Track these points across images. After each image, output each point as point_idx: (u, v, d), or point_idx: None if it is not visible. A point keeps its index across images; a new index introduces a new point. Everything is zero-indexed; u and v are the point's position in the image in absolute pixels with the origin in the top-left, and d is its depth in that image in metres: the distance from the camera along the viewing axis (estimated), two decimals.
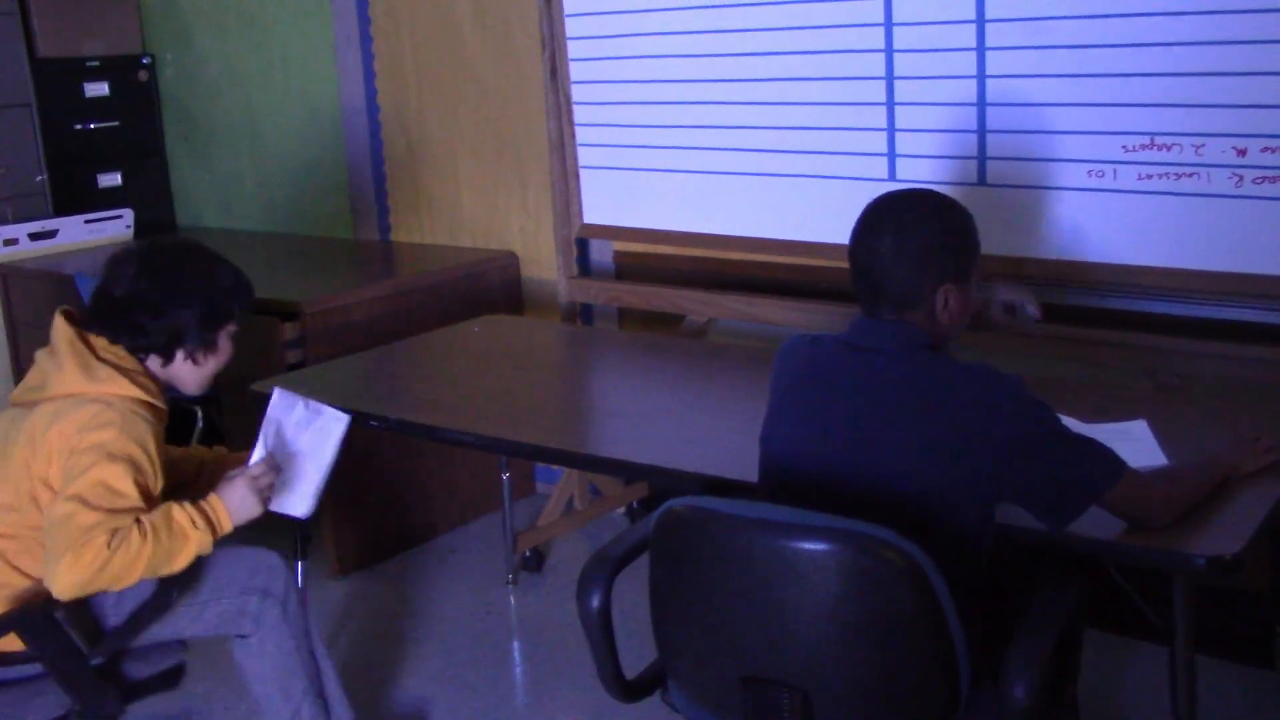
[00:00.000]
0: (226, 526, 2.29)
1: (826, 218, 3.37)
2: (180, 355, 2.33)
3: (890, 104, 3.19)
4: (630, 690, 2.04)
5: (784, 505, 1.85)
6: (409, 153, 4.47)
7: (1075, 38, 2.87)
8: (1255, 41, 2.64)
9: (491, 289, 4.13)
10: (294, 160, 4.88)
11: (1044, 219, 3.01)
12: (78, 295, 4.13)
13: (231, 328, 2.40)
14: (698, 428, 2.63)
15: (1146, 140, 2.83)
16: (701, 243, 3.67)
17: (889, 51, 3.16)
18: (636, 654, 2.08)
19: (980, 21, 2.99)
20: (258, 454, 2.38)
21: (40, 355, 2.30)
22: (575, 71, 3.78)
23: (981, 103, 3.04)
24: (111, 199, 5.00)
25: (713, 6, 3.43)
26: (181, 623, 2.39)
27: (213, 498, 2.28)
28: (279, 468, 2.39)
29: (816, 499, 1.88)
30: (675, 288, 3.73)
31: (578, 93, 3.79)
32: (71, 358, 2.23)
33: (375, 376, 3.20)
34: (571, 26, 3.74)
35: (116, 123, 5.07)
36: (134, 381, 2.25)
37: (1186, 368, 2.92)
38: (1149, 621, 2.67)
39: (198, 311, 2.31)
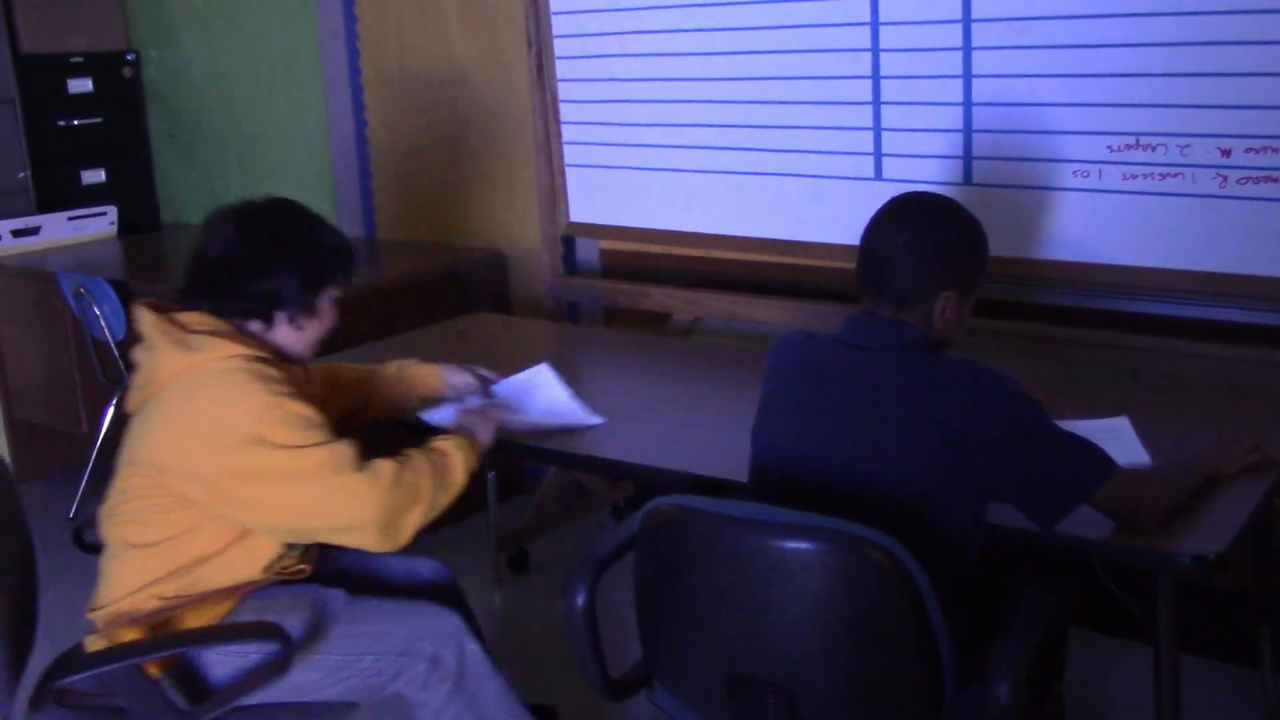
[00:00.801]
0: (483, 439, 2.34)
1: (813, 216, 3.37)
2: (281, 319, 2.21)
3: (876, 103, 3.19)
4: (616, 689, 2.04)
5: (773, 503, 1.85)
6: (394, 150, 4.46)
7: (1061, 38, 2.87)
8: (1241, 42, 2.65)
9: (478, 287, 4.12)
10: (279, 157, 4.86)
11: (1029, 219, 3.01)
12: (61, 292, 4.12)
13: (334, 292, 2.27)
14: (683, 426, 2.63)
15: (1132, 140, 2.84)
16: (688, 241, 3.67)
17: (875, 51, 3.17)
18: (625, 653, 2.08)
19: (967, 21, 3.00)
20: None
21: (137, 353, 2.19)
22: (561, 70, 3.78)
23: (968, 102, 3.04)
24: (95, 196, 4.98)
25: (699, 5, 3.43)
26: (316, 681, 2.17)
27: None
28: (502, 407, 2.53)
29: (807, 497, 1.88)
30: (661, 286, 3.73)
31: (564, 91, 3.79)
32: (164, 340, 2.13)
33: None
34: (558, 25, 3.74)
35: (100, 119, 5.05)
36: (234, 340, 2.14)
37: (1171, 368, 2.93)
38: (1134, 620, 2.67)
39: (297, 272, 2.19)
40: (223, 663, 2.14)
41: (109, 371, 4.12)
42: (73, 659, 2.09)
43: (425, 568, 2.54)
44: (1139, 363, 2.97)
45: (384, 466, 2.12)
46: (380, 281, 3.97)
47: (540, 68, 3.80)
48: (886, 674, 1.75)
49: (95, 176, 5.06)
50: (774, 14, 3.31)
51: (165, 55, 5.13)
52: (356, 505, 2.08)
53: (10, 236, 4.56)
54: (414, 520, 2.15)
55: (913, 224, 1.94)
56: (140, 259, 4.65)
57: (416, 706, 2.24)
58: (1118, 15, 2.79)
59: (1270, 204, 2.69)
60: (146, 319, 2.18)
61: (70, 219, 4.76)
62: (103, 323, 3.93)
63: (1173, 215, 2.82)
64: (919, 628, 1.71)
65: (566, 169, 3.85)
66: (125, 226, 4.95)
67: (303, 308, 2.22)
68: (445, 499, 2.21)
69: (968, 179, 3.08)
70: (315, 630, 2.17)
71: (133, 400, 2.21)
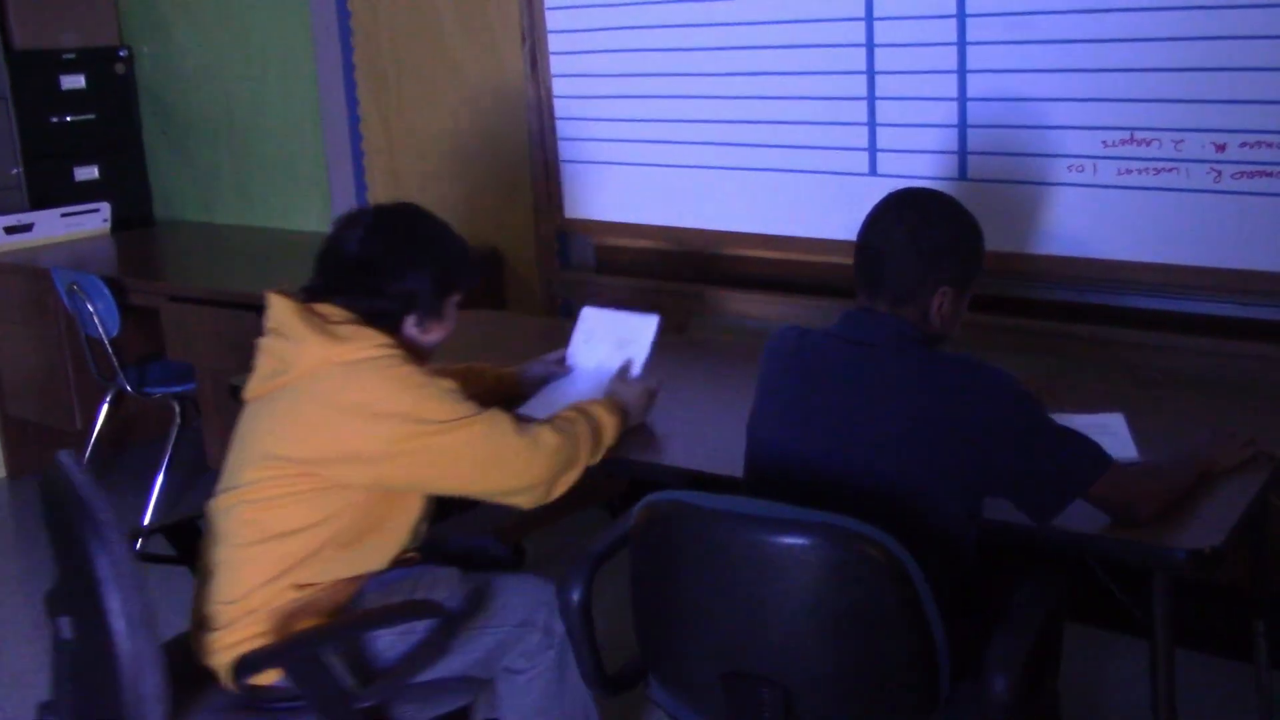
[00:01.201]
0: (634, 417, 2.39)
1: (807, 212, 3.37)
2: (410, 322, 2.23)
3: (871, 99, 3.19)
4: (612, 685, 2.03)
5: (768, 498, 1.84)
6: (388, 145, 4.45)
7: (1056, 33, 2.87)
8: (1235, 37, 2.65)
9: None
10: (272, 153, 4.85)
11: (1024, 214, 3.01)
12: (54, 289, 4.10)
13: (457, 298, 2.30)
14: (678, 421, 2.62)
15: (1126, 135, 2.84)
16: (682, 237, 3.67)
17: (870, 47, 3.16)
18: (621, 648, 2.08)
19: (961, 16, 2.99)
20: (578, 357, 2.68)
21: (266, 342, 2.21)
22: (555, 65, 3.77)
23: (962, 98, 3.04)
24: (89, 192, 4.97)
25: (693, 1, 3.43)
26: (454, 655, 2.20)
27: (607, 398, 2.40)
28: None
29: (802, 492, 1.88)
30: (656, 281, 3.72)
31: (558, 86, 3.78)
32: (308, 328, 2.13)
33: None
34: (552, 20, 3.73)
35: (93, 115, 5.03)
36: (378, 331, 2.17)
37: (1166, 362, 2.93)
38: (1129, 615, 2.67)
39: (431, 276, 2.22)
40: (385, 645, 2.16)
41: (103, 369, 4.11)
42: (256, 655, 2.05)
43: (493, 545, 2.57)
44: (1134, 358, 2.97)
45: (544, 431, 2.21)
46: None
47: (534, 62, 3.80)
48: (882, 669, 1.74)
49: (88, 173, 5.04)
50: (768, 9, 3.31)
51: (158, 51, 5.12)
52: (524, 469, 2.16)
53: (3, 234, 4.55)
54: (568, 482, 2.25)
55: (911, 219, 1.94)
56: (134, 255, 4.64)
57: (517, 673, 2.25)
58: (1112, 10, 2.79)
59: (1265, 198, 2.69)
60: (286, 307, 2.19)
61: (63, 215, 4.75)
62: (96, 320, 3.92)
63: (1167, 210, 2.82)
64: (914, 623, 1.71)
65: (561, 164, 3.85)
66: (119, 223, 4.94)
67: (431, 311, 2.24)
68: (593, 463, 2.30)
69: (963, 174, 3.08)
70: (474, 602, 2.22)
71: (258, 388, 2.21)
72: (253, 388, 2.22)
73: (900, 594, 1.69)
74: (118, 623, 1.85)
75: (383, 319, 2.20)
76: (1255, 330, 2.85)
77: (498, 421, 2.16)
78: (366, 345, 2.12)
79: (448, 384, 2.16)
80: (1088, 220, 2.93)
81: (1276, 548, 2.61)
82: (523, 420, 2.25)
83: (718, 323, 3.68)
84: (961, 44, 3.01)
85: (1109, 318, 3.04)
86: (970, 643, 1.83)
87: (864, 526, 1.68)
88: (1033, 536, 1.96)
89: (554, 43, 3.76)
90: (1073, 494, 1.88)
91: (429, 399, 2.11)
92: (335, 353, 2.11)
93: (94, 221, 4.85)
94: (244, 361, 3.59)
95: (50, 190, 4.85)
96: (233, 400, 3.04)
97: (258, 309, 3.60)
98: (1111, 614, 2.89)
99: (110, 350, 3.97)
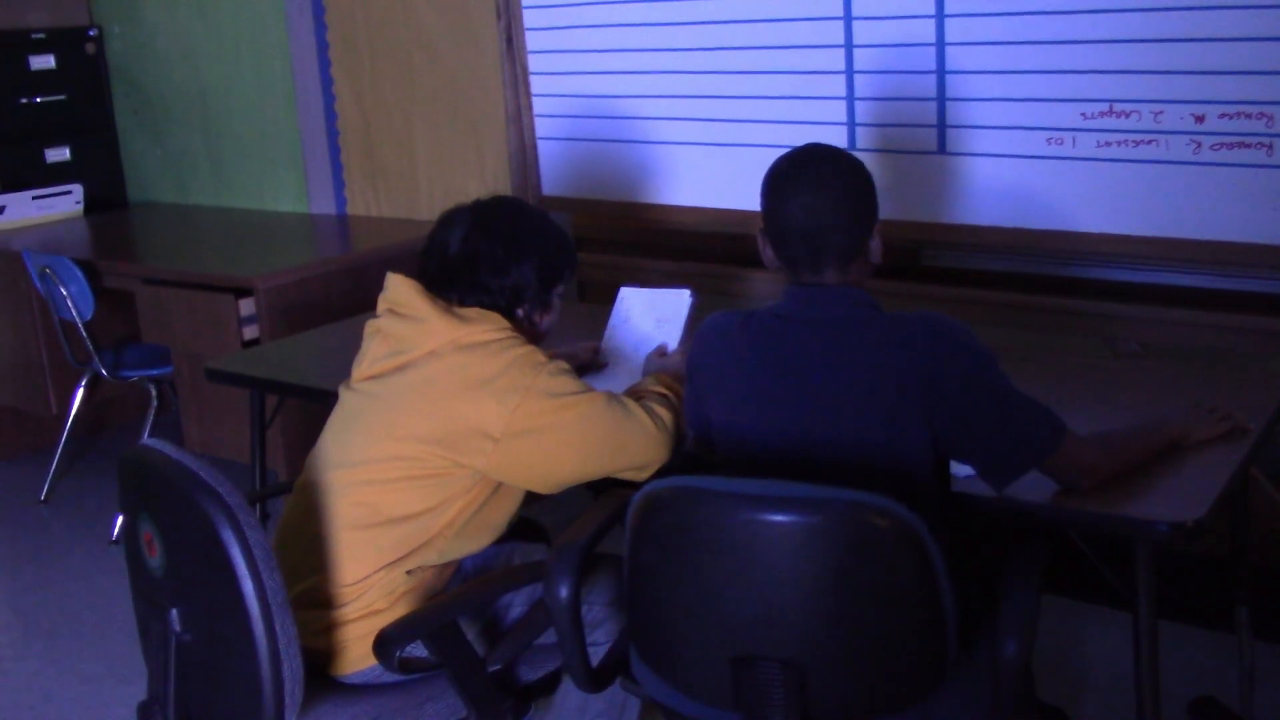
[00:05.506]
0: (680, 385, 2.39)
1: None
2: (519, 314, 2.24)
3: (850, 72, 3.18)
4: (597, 679, 2.00)
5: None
6: (363, 125, 4.41)
7: (1034, 4, 2.86)
8: (1213, 8, 2.64)
9: None
10: (246, 133, 4.81)
11: (1003, 186, 3.00)
12: (27, 273, 4.06)
13: (561, 288, 2.30)
14: None
15: (1105, 107, 2.83)
16: (661, 214, 3.65)
17: (848, 19, 3.14)
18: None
19: None
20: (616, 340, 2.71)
21: (381, 323, 2.20)
22: (531, 42, 3.74)
23: (941, 70, 3.03)
24: (60, 174, 4.92)
25: None
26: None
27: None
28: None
29: (793, 473, 1.85)
30: (635, 258, 3.71)
31: (534, 63, 3.76)
32: (433, 308, 2.14)
33: (333, 352, 3.16)
34: None
35: (64, 96, 4.98)
36: (503, 315, 2.19)
37: (1145, 334, 2.94)
38: (1111, 587, 2.68)
39: (536, 267, 2.23)
40: (505, 611, 2.20)
41: (77, 353, 4.07)
42: (398, 628, 2.03)
43: (534, 519, 2.58)
44: (1114, 330, 2.97)
45: (656, 409, 2.22)
46: (350, 258, 3.94)
47: (510, 39, 3.76)
48: (895, 640, 1.71)
49: (60, 155, 4.99)
50: None
51: (129, 30, 5.06)
52: (647, 444, 2.18)
53: None
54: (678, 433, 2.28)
55: (829, 184, 1.91)
56: (107, 238, 4.59)
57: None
58: None
59: (1243, 169, 2.69)
60: (409, 288, 2.19)
61: (35, 198, 4.70)
62: (70, 303, 3.89)
63: (1147, 182, 2.82)
64: (928, 592, 1.68)
65: (538, 142, 3.82)
66: (91, 205, 4.89)
67: (538, 303, 2.26)
68: (679, 424, 2.33)
69: (941, 148, 3.07)
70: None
71: (372, 369, 2.19)
72: (365, 369, 2.21)
73: (916, 564, 1.66)
74: (253, 608, 1.80)
75: (494, 312, 2.21)
76: (1234, 302, 2.86)
77: (615, 398, 2.18)
78: (490, 328, 2.14)
79: (564, 364, 2.17)
80: (1067, 193, 2.92)
81: (1258, 519, 2.62)
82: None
83: (698, 300, 3.66)
84: (940, 16, 3.00)
85: (1088, 290, 3.04)
86: (968, 613, 1.82)
87: (878, 499, 1.65)
88: (1013, 509, 1.96)
89: (529, 19, 3.73)
90: (1029, 463, 1.88)
91: (552, 375, 2.12)
92: (460, 334, 2.12)
93: (66, 204, 4.80)
94: (221, 344, 3.58)
95: (21, 172, 4.80)
96: (209, 382, 3.02)
97: (234, 291, 3.61)
98: (1093, 586, 2.89)
99: (85, 334, 3.94)
